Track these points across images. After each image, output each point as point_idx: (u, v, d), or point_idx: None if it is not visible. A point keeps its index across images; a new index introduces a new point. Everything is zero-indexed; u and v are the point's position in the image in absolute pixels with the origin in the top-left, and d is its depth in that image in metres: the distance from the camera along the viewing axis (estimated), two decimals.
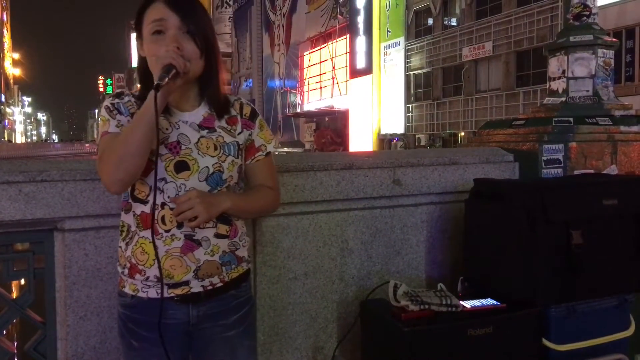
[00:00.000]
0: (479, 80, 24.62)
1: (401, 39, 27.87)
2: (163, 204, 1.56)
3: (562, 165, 2.66)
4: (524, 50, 21.84)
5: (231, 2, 50.53)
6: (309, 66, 35.12)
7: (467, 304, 2.03)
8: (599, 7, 3.06)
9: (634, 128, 2.80)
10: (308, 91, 35.54)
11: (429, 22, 26.72)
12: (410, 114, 28.10)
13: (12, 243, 2.06)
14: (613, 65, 3.02)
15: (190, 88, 1.62)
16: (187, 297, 1.60)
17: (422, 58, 27.07)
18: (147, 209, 1.57)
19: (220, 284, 1.63)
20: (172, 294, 1.59)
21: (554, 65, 3.08)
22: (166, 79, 1.45)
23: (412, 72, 27.93)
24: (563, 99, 3.01)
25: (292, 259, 2.38)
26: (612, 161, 2.75)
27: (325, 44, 32.88)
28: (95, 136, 2.04)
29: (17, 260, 2.09)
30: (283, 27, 39.78)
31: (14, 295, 2.14)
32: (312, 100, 35.01)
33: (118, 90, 1.66)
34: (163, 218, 1.56)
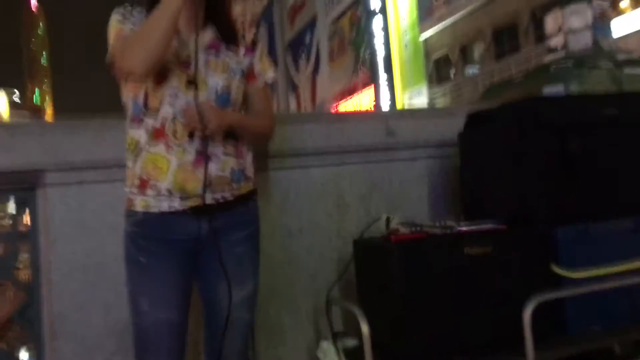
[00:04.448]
0: None
1: (423, 87, 28.11)
2: (174, 118, 1.57)
3: None
4: None
5: None
6: None
7: (465, 227, 1.89)
8: None
9: (639, 70, 2.68)
10: None
11: (450, 74, 26.88)
12: None
13: None
14: (611, 16, 2.93)
15: (199, 9, 1.62)
16: (200, 210, 1.58)
17: (446, 102, 27.14)
18: (157, 123, 1.57)
19: (231, 198, 1.64)
20: (185, 207, 1.58)
21: (550, 23, 3.01)
22: None
23: None
24: (563, 53, 2.92)
25: (285, 213, 2.29)
26: None
27: (351, 96, 33.34)
28: None
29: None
30: (308, 89, 40.65)
31: None
32: None
33: (126, 4, 1.68)
34: (175, 132, 1.57)
